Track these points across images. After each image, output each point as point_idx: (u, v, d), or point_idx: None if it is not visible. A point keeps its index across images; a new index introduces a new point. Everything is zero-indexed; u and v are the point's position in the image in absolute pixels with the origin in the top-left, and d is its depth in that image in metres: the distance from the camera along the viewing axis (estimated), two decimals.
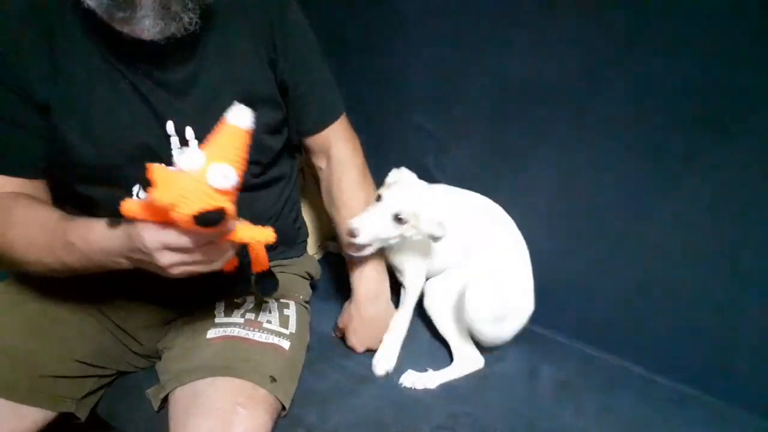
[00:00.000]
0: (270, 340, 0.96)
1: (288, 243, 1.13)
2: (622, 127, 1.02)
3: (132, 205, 0.68)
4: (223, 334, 0.95)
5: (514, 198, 1.14)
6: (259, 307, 1.01)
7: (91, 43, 0.82)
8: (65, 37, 0.81)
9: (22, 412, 0.87)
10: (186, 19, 0.79)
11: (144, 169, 0.74)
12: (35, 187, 0.88)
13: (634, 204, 1.04)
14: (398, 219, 0.98)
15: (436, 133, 1.22)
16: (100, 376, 0.97)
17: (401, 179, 1.06)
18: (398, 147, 1.27)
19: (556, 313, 1.13)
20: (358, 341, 1.09)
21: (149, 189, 0.65)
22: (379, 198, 1.01)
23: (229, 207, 0.67)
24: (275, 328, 0.98)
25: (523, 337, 1.10)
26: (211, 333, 0.95)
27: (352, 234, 0.97)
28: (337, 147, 1.06)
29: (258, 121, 0.88)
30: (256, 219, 0.95)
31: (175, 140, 0.88)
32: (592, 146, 1.06)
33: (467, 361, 1.06)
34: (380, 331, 1.09)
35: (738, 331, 0.98)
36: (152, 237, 0.68)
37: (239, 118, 0.67)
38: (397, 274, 1.13)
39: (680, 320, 1.02)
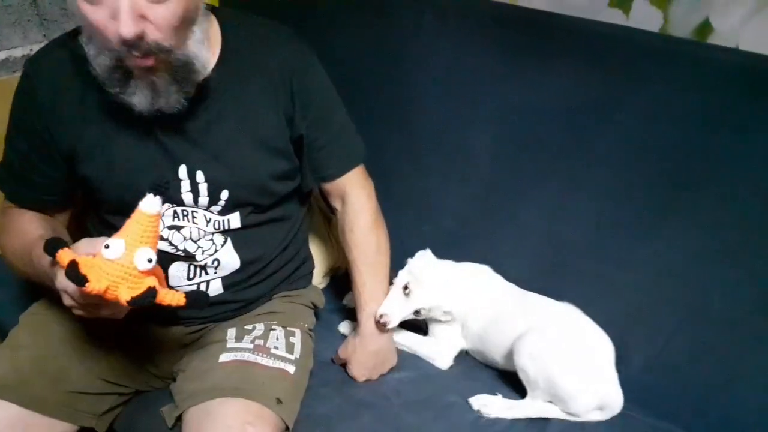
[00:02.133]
0: (277, 365, 1.03)
1: (292, 277, 1.20)
2: (606, 180, 1.12)
3: (64, 256, 0.74)
4: (234, 358, 1.02)
5: (504, 239, 1.23)
6: (268, 333, 1.09)
7: (120, 107, 0.88)
8: (94, 88, 0.88)
9: (51, 425, 0.95)
10: (174, 98, 0.86)
11: (165, 186, 0.93)
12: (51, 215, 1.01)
13: (616, 250, 1.13)
14: (417, 312, 1.16)
15: (438, 177, 1.31)
16: (120, 394, 1.05)
17: (426, 269, 1.17)
18: (404, 189, 1.36)
19: None
20: (359, 372, 1.15)
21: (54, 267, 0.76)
22: (406, 288, 1.15)
23: (155, 283, 0.75)
24: (281, 353, 1.06)
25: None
26: (224, 357, 1.03)
27: (382, 322, 1.12)
28: (353, 193, 1.13)
29: (266, 167, 1.00)
30: (259, 255, 1.06)
31: (186, 184, 0.96)
32: (578, 196, 1.15)
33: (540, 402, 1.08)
34: (383, 364, 1.17)
35: (710, 370, 1.05)
36: (60, 281, 0.77)
37: (150, 206, 0.74)
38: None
39: (656, 359, 1.10)
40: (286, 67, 0.99)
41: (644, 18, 1.12)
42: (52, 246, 0.76)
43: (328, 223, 1.43)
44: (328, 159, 1.08)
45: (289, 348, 1.08)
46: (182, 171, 0.96)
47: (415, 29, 1.26)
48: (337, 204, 1.17)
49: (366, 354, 1.15)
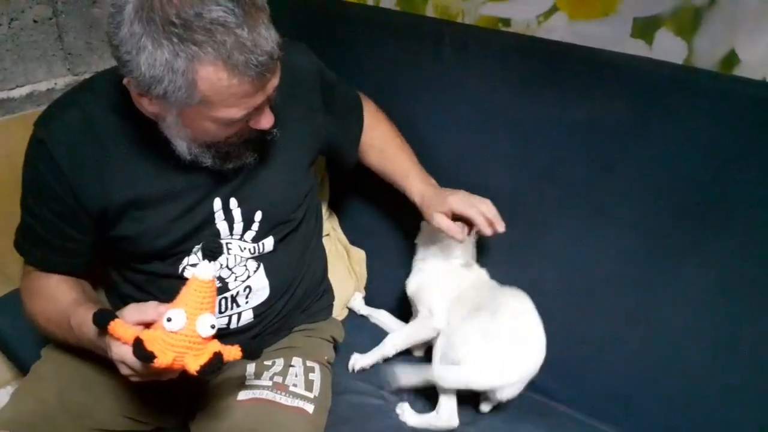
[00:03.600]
0: (295, 404, 1.02)
1: (313, 307, 1.20)
2: (631, 212, 1.09)
3: (120, 330, 0.75)
4: (252, 396, 1.02)
5: (529, 271, 1.21)
6: (287, 370, 1.08)
7: (147, 153, 0.89)
8: (119, 147, 0.89)
9: None
10: (269, 138, 0.93)
11: (193, 243, 0.93)
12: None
13: (641, 283, 1.10)
14: None
15: None
16: (141, 431, 1.05)
17: None
18: None
19: (563, 384, 1.18)
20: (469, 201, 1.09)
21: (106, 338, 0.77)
22: None
23: (218, 347, 0.76)
24: (300, 391, 1.05)
25: (524, 403, 1.15)
26: (242, 395, 1.02)
27: None
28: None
29: (296, 179, 1.04)
30: (279, 282, 1.06)
31: (219, 214, 0.96)
32: (603, 228, 1.13)
33: (445, 413, 1.09)
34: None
35: (740, 409, 1.02)
36: (116, 351, 0.77)
37: (206, 273, 0.75)
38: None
39: (683, 396, 1.07)
40: (305, 79, 1.04)
41: (668, 49, 1.10)
42: (103, 318, 0.76)
43: (347, 254, 1.42)
44: (354, 119, 1.19)
45: (309, 386, 1.07)
46: (216, 203, 0.96)
47: (434, 59, 1.26)
48: None
49: (446, 192, 1.12)
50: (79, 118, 0.88)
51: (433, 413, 1.11)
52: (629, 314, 1.12)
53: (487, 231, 1.08)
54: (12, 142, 0.92)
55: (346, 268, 1.41)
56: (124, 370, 0.79)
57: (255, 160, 0.92)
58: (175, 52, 0.70)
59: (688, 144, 1.04)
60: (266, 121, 0.84)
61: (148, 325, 0.77)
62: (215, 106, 0.76)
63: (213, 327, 0.75)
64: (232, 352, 0.79)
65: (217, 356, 0.75)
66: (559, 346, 1.15)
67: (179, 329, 0.73)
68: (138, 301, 0.82)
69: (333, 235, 1.43)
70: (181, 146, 0.84)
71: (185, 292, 0.76)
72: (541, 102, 1.16)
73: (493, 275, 1.25)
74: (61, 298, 0.94)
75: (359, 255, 1.44)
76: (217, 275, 0.77)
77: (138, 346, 0.72)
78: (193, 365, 0.74)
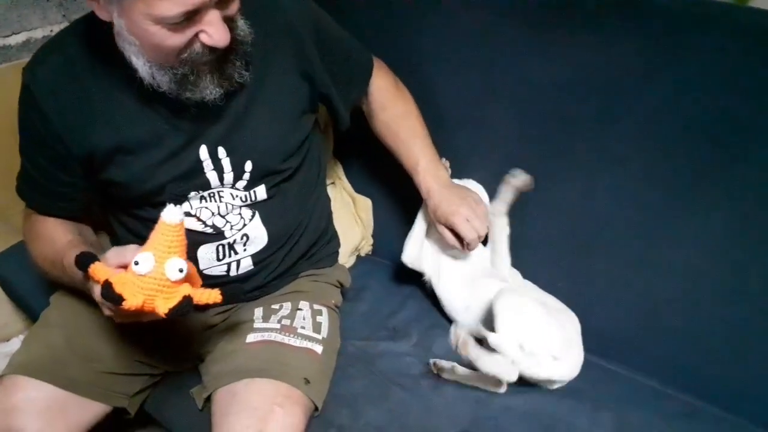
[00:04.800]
0: (304, 345, 1.03)
1: (318, 254, 1.20)
2: (637, 155, 1.08)
3: (97, 272, 0.75)
4: (261, 338, 1.02)
5: (535, 218, 1.20)
6: (294, 313, 1.09)
7: (128, 95, 0.88)
8: (101, 90, 0.88)
9: (85, 405, 0.97)
10: (237, 76, 0.87)
11: (183, 189, 0.93)
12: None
13: (649, 226, 1.09)
14: None
15: (463, 152, 1.28)
16: (151, 375, 1.07)
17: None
18: None
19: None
20: (462, 219, 1.07)
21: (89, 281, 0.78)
22: None
23: (189, 291, 0.76)
24: (309, 333, 1.06)
25: None
26: (251, 337, 1.03)
27: None
28: (374, 84, 1.16)
29: (287, 130, 1.01)
30: (286, 228, 1.06)
31: (208, 163, 0.96)
32: (609, 171, 1.11)
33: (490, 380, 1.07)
34: (470, 197, 1.11)
35: (747, 347, 1.02)
36: (97, 295, 0.77)
37: (172, 216, 0.74)
38: None
39: (692, 337, 1.07)
40: (296, 25, 0.98)
41: None
42: (83, 261, 0.76)
43: (353, 202, 1.42)
44: (353, 76, 1.12)
45: (316, 328, 1.08)
46: (203, 152, 0.95)
47: (435, 2, 1.23)
48: (360, 101, 1.18)
49: (452, 200, 1.09)
50: (62, 62, 0.88)
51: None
52: (635, 258, 1.11)
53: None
54: (10, 91, 0.92)
55: (351, 216, 1.40)
56: (106, 311, 0.80)
57: (221, 99, 0.87)
58: None
59: (700, 81, 1.01)
60: (218, 34, 0.78)
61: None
62: (150, 1, 0.73)
63: (181, 271, 0.75)
64: (211, 295, 0.79)
65: (187, 299, 0.75)
66: (567, 291, 1.16)
67: (147, 272, 0.73)
68: None
69: (338, 183, 1.42)
70: (138, 64, 0.82)
71: (153, 235, 0.75)
72: (548, 42, 1.13)
73: None
74: (57, 240, 0.95)
75: (365, 203, 1.43)
76: (184, 219, 0.75)
77: (106, 288, 0.73)
78: (163, 307, 0.74)
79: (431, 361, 1.11)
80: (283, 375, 0.96)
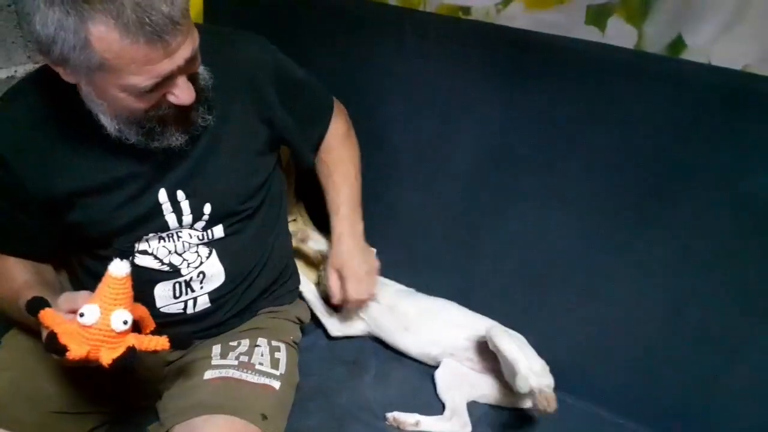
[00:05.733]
0: (261, 381, 1.03)
1: (277, 291, 1.21)
2: (582, 192, 1.14)
3: (46, 320, 0.77)
4: (219, 375, 1.03)
5: (488, 253, 1.25)
6: (253, 350, 1.09)
7: (91, 143, 0.89)
8: (64, 137, 0.90)
9: None
10: (200, 121, 0.91)
11: (142, 231, 0.95)
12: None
13: (595, 259, 1.14)
14: None
15: (419, 194, 1.33)
16: (104, 413, 1.05)
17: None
18: (383, 208, 1.37)
19: None
20: (354, 284, 1.16)
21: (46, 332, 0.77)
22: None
23: (133, 341, 0.79)
24: (266, 369, 1.06)
25: None
26: (208, 374, 1.03)
27: None
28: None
29: (246, 172, 1.03)
30: (243, 265, 1.08)
31: (167, 206, 0.97)
32: (557, 208, 1.17)
33: (457, 420, 1.10)
34: (371, 268, 1.19)
35: (691, 374, 1.07)
36: (44, 336, 0.78)
37: (119, 270, 0.77)
38: None
39: (638, 365, 1.12)
40: (254, 69, 1.01)
41: (619, 35, 1.14)
42: (33, 306, 0.78)
43: None
44: (315, 118, 1.16)
45: (275, 364, 1.08)
46: (162, 195, 0.97)
47: (396, 47, 1.29)
48: None
49: (354, 254, 1.17)
50: (25, 109, 0.90)
51: (446, 415, 1.12)
52: (584, 289, 1.16)
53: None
54: None
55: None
56: (55, 357, 0.79)
57: (186, 144, 0.90)
58: (65, 11, 0.71)
59: (639, 125, 1.08)
60: (184, 95, 0.82)
61: None
62: (118, 72, 0.75)
63: (126, 323, 0.77)
64: (159, 342, 0.81)
65: (131, 350, 0.77)
66: (519, 323, 1.19)
67: (93, 324, 0.75)
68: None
69: (300, 220, 1.44)
70: (106, 121, 0.84)
71: (100, 287, 0.77)
72: (500, 88, 1.20)
73: (452, 263, 1.31)
74: (15, 279, 0.95)
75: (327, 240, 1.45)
76: (129, 272, 0.78)
77: (50, 339, 0.75)
78: (107, 358, 0.76)
79: (389, 415, 1.11)
80: (240, 411, 0.96)
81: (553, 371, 1.13)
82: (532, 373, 1.04)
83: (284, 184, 1.24)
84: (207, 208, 1.00)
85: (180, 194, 0.98)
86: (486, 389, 1.17)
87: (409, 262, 1.34)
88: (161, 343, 0.82)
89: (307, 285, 1.32)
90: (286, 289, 1.24)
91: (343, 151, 1.22)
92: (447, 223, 1.28)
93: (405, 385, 1.20)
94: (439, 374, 1.18)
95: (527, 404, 1.14)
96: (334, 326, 1.30)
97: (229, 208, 1.03)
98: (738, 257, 1.02)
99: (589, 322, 1.16)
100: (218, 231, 1.04)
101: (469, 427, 1.09)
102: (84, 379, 1.01)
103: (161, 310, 1.03)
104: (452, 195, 1.27)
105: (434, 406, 1.15)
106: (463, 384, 1.16)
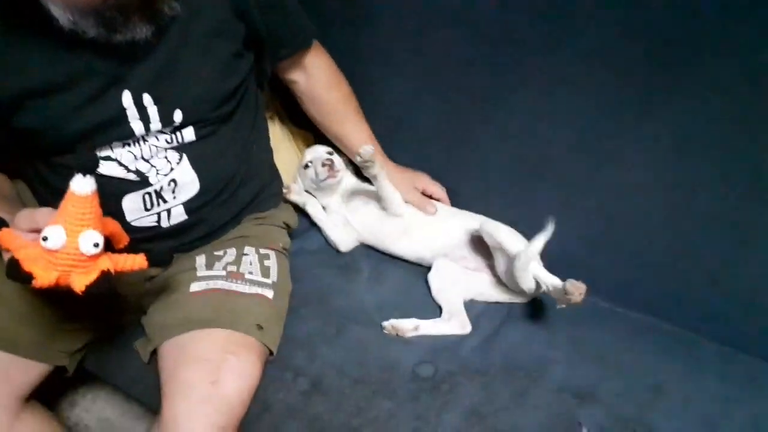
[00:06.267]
0: (253, 291, 0.98)
1: (260, 197, 1.13)
2: (586, 76, 1.04)
3: (5, 238, 0.70)
4: (207, 287, 0.97)
5: (482, 145, 1.17)
6: (240, 258, 1.03)
7: (43, 39, 0.79)
8: (11, 34, 0.79)
9: (26, 366, 0.91)
10: (167, 9, 0.81)
11: (105, 137, 0.85)
12: None
13: (598, 148, 1.07)
14: None
15: (411, 83, 1.23)
16: (90, 330, 0.99)
17: None
18: (374, 97, 1.26)
19: None
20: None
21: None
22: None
23: (108, 265, 0.71)
24: (257, 278, 1.00)
25: None
26: (195, 286, 0.97)
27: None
28: (315, 62, 1.14)
29: (220, 73, 0.93)
30: (219, 172, 0.99)
31: (132, 112, 0.87)
32: (557, 94, 1.08)
33: (456, 321, 1.07)
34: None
35: (695, 263, 1.05)
36: (5, 262, 0.70)
37: (82, 187, 0.68)
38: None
39: (642, 255, 1.09)
40: None
41: None
42: None
43: (293, 137, 1.34)
44: (286, 36, 1.05)
45: (265, 272, 1.03)
46: (126, 98, 0.86)
47: None
48: (298, 77, 1.15)
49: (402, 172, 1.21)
50: None
51: (444, 317, 1.08)
52: (585, 180, 1.11)
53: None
54: None
55: (292, 152, 1.33)
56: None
57: (152, 36, 0.80)
58: None
59: (648, 3, 0.97)
60: None
61: None
62: None
63: (97, 245, 0.69)
64: (136, 261, 0.75)
65: (105, 275, 0.70)
66: (513, 217, 1.15)
67: (59, 248, 0.67)
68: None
69: (277, 117, 1.33)
70: (57, 12, 0.73)
71: (63, 206, 0.68)
72: None
73: (451, 153, 1.24)
74: None
75: (306, 137, 1.36)
76: (95, 188, 0.69)
77: (12, 267, 0.67)
78: (79, 284, 0.69)
79: (386, 324, 1.05)
80: (234, 323, 0.92)
81: (553, 265, 1.09)
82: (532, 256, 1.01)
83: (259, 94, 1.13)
84: (177, 116, 0.90)
85: (147, 98, 0.87)
86: (482, 287, 1.14)
87: (394, 155, 1.26)
88: (138, 262, 0.75)
89: (314, 205, 1.27)
90: (269, 192, 1.16)
91: (344, 87, 1.19)
92: (440, 114, 1.19)
93: (399, 285, 1.16)
94: (432, 277, 1.14)
95: (521, 299, 1.12)
96: (343, 242, 1.24)
97: (201, 114, 0.93)
98: (750, 137, 0.96)
99: (591, 214, 1.11)
100: (188, 134, 0.94)
101: (469, 327, 1.06)
102: (67, 295, 0.93)
103: (132, 223, 0.94)
104: (446, 84, 1.18)
105: (431, 305, 1.12)
106: (458, 283, 1.12)
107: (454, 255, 1.16)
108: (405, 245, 1.19)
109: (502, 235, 1.06)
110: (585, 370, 0.99)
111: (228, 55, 0.94)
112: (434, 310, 1.11)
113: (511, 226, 1.14)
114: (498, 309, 1.12)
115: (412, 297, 1.14)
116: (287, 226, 1.18)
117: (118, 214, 0.92)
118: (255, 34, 0.97)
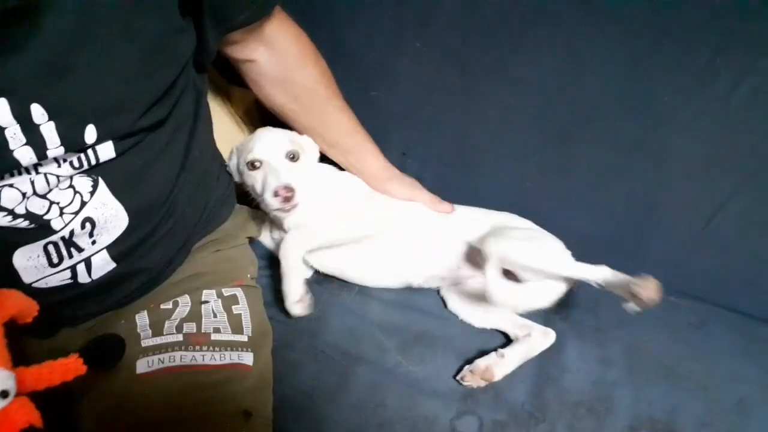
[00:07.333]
0: (226, 361, 0.71)
1: (208, 209, 0.83)
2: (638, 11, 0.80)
3: None
4: (160, 365, 0.69)
5: (504, 99, 0.94)
6: (199, 309, 0.75)
7: None
8: None
9: None
10: None
11: None
12: None
13: (649, 104, 0.85)
14: None
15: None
16: None
17: None
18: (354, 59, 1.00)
19: (554, 229, 0.96)
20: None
21: None
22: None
23: (27, 415, 0.54)
24: (227, 337, 0.74)
25: None
26: (142, 365, 0.69)
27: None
28: (281, 34, 0.84)
29: (146, 65, 0.64)
30: (142, 202, 0.71)
31: (14, 131, 0.56)
32: (600, 36, 0.84)
33: (536, 333, 0.87)
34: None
35: (761, 245, 0.89)
36: None
37: None
38: None
39: (701, 234, 0.91)
40: None
41: None
42: None
43: (229, 98, 1.02)
44: (236, 9, 0.74)
45: (236, 324, 0.77)
46: (3, 112, 0.55)
47: None
48: (257, 54, 0.85)
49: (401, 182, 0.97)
50: None
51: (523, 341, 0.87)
52: (627, 144, 0.90)
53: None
54: None
55: (230, 121, 1.00)
56: None
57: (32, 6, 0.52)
58: None
59: None
60: None
61: None
62: None
63: (6, 395, 0.52)
64: (69, 369, 0.60)
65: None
66: (537, 189, 0.98)
67: None
68: None
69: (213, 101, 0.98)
70: None
71: None
72: None
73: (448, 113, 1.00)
74: None
75: (244, 96, 1.02)
76: None
77: None
78: None
79: (465, 373, 0.81)
80: (210, 420, 0.66)
81: (584, 246, 0.89)
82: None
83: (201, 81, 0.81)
84: (90, 134, 0.60)
85: (36, 111, 0.56)
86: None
87: (394, 121, 1.04)
88: (71, 369, 0.59)
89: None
90: (219, 200, 0.86)
91: (321, 64, 0.90)
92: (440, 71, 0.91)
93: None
94: (470, 319, 0.91)
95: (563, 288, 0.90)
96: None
97: (124, 127, 0.63)
98: None
99: (633, 186, 0.92)
100: (105, 151, 0.63)
101: (553, 333, 0.87)
102: None
103: (34, 286, 0.66)
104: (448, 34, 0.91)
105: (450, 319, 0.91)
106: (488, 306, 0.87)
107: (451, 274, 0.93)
108: (386, 272, 0.94)
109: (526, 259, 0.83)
110: (654, 390, 0.82)
111: (160, 34, 0.63)
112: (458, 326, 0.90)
113: (532, 198, 0.97)
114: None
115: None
116: (249, 240, 0.90)
117: (9, 277, 0.64)
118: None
